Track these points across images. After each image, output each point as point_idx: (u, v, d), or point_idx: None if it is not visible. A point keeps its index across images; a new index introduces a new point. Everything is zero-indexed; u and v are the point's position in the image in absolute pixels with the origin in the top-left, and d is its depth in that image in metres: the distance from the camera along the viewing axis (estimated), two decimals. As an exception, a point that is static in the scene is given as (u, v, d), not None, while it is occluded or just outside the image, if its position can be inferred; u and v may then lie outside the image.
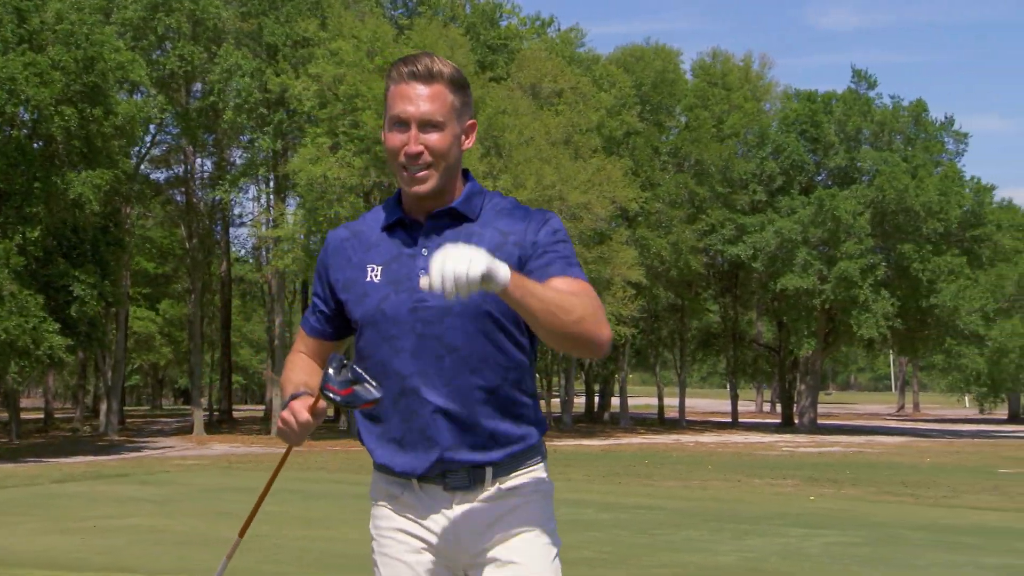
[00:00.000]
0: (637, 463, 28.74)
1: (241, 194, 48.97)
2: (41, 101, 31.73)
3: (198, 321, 48.28)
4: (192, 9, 41.35)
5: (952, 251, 49.37)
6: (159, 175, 50.31)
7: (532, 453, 2.89)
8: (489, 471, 2.81)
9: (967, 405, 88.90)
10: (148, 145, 45.51)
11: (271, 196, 48.26)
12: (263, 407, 63.20)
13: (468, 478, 2.80)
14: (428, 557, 2.86)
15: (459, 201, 2.86)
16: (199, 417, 45.29)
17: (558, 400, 55.30)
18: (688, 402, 61.88)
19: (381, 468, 2.92)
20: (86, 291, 33.23)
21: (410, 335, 2.76)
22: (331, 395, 2.63)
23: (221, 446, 37.39)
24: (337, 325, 3.00)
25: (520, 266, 2.74)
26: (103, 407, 46.65)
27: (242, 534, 3.10)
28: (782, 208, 50.62)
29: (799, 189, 52.12)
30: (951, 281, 48.57)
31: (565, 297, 2.62)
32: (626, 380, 57.53)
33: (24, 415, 49.72)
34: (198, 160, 48.59)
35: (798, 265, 48.33)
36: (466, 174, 2.94)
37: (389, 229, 2.89)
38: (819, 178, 53.87)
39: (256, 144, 43.25)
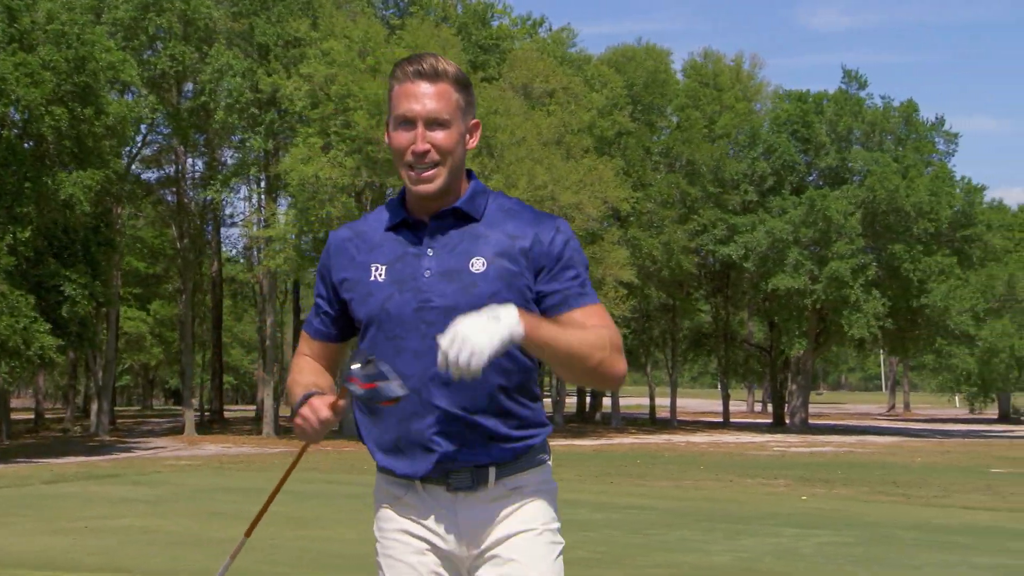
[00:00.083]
0: (629, 463, 28.77)
1: (232, 194, 48.80)
2: (32, 101, 31.63)
3: (189, 321, 48.20)
4: (183, 9, 41.26)
5: (943, 251, 49.45)
6: (150, 175, 50.20)
7: (536, 453, 2.88)
8: (492, 471, 2.80)
9: (957, 405, 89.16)
10: (139, 145, 45.36)
11: (262, 196, 48.14)
12: (254, 407, 63.07)
13: (471, 478, 2.79)
14: (432, 558, 2.85)
15: (463, 201, 2.84)
16: (190, 417, 45.19)
17: (549, 400, 55.32)
18: (679, 402, 61.94)
19: (383, 470, 2.91)
20: (77, 291, 33.14)
21: (415, 335, 2.74)
22: (354, 388, 2.60)
23: (212, 446, 37.32)
24: (342, 326, 2.98)
25: (534, 275, 2.77)
26: (94, 407, 46.49)
27: (248, 534, 3.08)
28: (773, 208, 50.68)
29: (790, 189, 52.18)
30: (941, 281, 48.65)
31: (583, 342, 2.67)
32: (617, 380, 57.42)
33: (14, 415, 49.56)
34: (189, 160, 48.50)
35: (789, 265, 48.39)
36: (469, 174, 2.92)
37: (393, 229, 2.87)
38: (810, 178, 53.92)
39: (247, 144, 43.15)
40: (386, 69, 38.30)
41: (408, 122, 2.77)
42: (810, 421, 56.10)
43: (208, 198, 46.04)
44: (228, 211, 53.69)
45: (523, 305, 2.72)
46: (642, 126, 52.94)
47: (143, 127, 43.75)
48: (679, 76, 57.49)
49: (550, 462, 2.95)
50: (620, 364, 2.75)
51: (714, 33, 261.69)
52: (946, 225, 49.40)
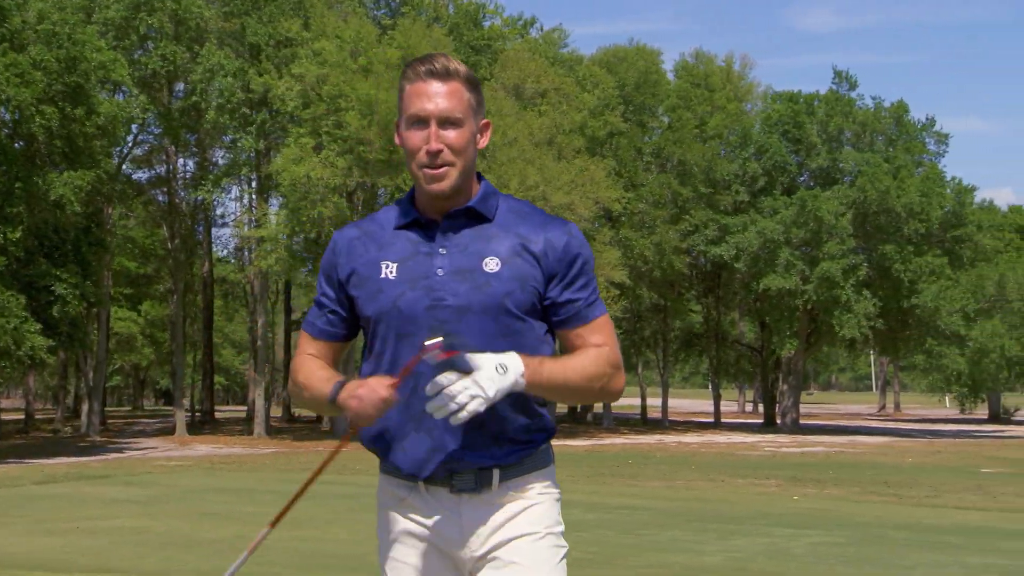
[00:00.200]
0: (621, 463, 28.80)
1: (223, 194, 48.76)
2: (22, 101, 31.57)
3: (180, 321, 48.12)
4: (174, 9, 41.18)
5: (933, 252, 49.55)
6: (141, 175, 50.15)
7: (540, 456, 2.89)
8: (496, 473, 2.80)
9: (948, 405, 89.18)
10: (130, 145, 45.24)
11: (254, 196, 48.07)
12: (245, 408, 62.96)
13: (475, 480, 2.79)
14: (434, 559, 2.85)
15: (476, 200, 2.86)
16: (181, 418, 45.09)
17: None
18: (670, 402, 61.97)
19: (387, 470, 2.91)
20: (68, 291, 33.08)
21: (426, 333, 2.71)
22: (430, 357, 2.56)
23: (204, 447, 37.27)
24: (349, 325, 2.96)
25: (545, 279, 2.80)
26: (84, 408, 46.39)
27: (274, 524, 3.04)
28: (764, 208, 50.73)
29: (781, 190, 52.23)
30: (932, 281, 48.75)
31: (583, 375, 2.77)
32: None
33: (4, 416, 49.42)
34: (180, 160, 48.41)
35: (780, 265, 48.44)
36: (479, 175, 2.94)
37: (404, 228, 2.87)
38: (801, 179, 53.97)
39: (239, 144, 43.07)
40: (378, 69, 38.30)
41: (421, 121, 2.78)
42: (801, 421, 56.15)
43: (199, 198, 45.98)
44: (219, 211, 53.77)
45: (533, 305, 2.78)
46: (633, 126, 52.99)
47: (134, 127, 43.65)
48: (670, 76, 57.58)
49: (553, 465, 2.95)
50: (618, 382, 2.85)
51: (705, 33, 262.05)
52: (937, 225, 49.51)
